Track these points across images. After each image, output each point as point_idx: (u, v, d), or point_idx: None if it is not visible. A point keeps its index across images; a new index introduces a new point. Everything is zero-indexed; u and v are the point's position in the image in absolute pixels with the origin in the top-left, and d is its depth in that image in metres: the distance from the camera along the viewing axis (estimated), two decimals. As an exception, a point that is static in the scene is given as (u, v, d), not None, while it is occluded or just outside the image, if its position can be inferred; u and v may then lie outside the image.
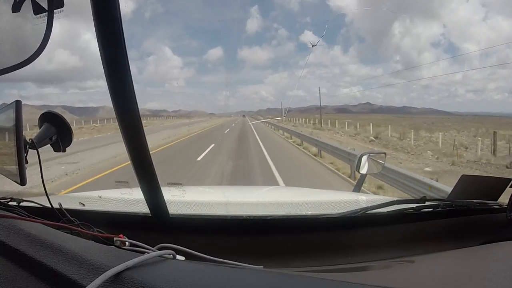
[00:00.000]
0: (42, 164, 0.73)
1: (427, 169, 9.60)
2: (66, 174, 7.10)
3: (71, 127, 0.77)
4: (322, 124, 29.36)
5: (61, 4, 0.63)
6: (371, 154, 1.69)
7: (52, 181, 6.26)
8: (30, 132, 0.81)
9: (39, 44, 0.63)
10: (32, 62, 0.64)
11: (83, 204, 0.93)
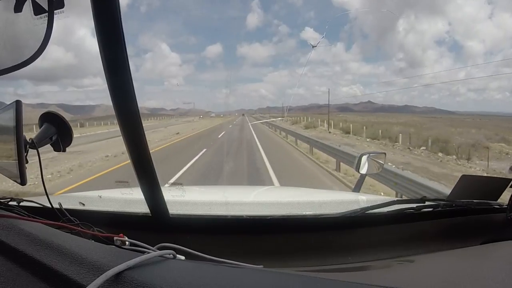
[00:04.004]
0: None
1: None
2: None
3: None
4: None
5: (61, 5, 0.63)
6: (371, 154, 1.69)
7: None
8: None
9: (39, 45, 0.64)
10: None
11: (83, 204, 0.93)
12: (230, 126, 23.49)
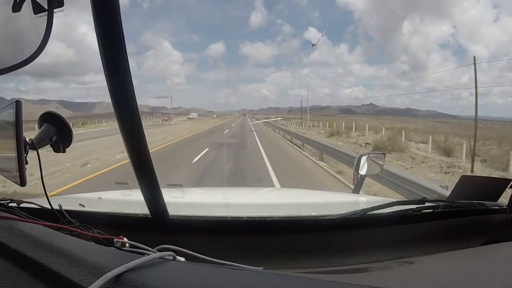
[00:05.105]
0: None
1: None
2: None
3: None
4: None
5: (61, 4, 0.63)
6: (370, 155, 1.68)
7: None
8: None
9: (39, 44, 0.63)
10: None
11: (83, 205, 0.93)
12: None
